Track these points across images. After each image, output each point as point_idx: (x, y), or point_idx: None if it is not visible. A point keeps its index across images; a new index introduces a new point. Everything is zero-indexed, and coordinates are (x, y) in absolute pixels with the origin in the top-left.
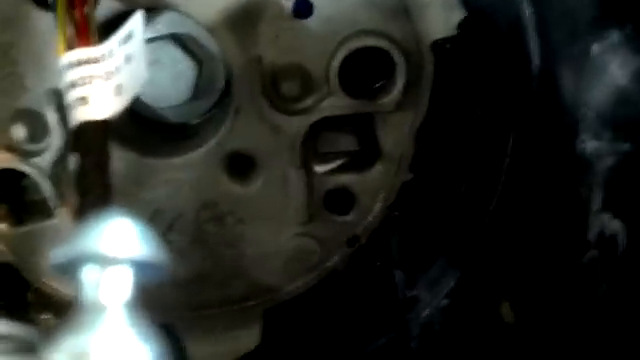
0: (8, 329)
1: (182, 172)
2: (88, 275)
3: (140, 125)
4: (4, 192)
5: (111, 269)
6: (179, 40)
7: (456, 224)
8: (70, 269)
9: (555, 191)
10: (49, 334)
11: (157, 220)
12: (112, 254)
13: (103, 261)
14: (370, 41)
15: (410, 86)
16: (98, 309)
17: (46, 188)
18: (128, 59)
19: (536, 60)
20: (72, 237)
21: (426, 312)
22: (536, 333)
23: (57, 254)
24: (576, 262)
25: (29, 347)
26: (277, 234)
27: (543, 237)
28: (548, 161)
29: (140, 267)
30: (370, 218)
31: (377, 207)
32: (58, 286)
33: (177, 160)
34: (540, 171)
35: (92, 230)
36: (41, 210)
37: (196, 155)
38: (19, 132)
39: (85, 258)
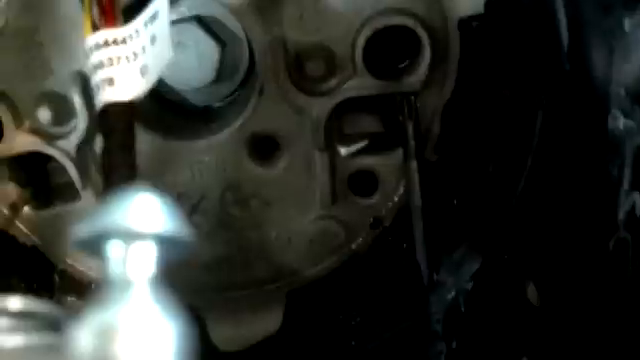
0: (34, 306)
1: (206, 154)
2: (113, 250)
3: (164, 108)
4: (29, 175)
5: (136, 244)
6: (202, 22)
7: (482, 205)
8: (94, 244)
9: (584, 170)
10: (75, 312)
11: (181, 203)
12: (138, 229)
13: (128, 236)
14: (395, 20)
15: (436, 65)
16: (124, 285)
17: (71, 171)
18: (153, 39)
19: (565, 36)
20: (96, 212)
21: (450, 295)
22: (562, 315)
23: (81, 229)
24: (604, 243)
25: (55, 325)
26: (301, 216)
27: (571, 218)
28: (577, 140)
29: (166, 242)
30: (394, 200)
31: (401, 189)
32: (83, 268)
33: (201, 143)
34: (569, 150)
35: (117, 205)
36: (66, 193)
37: (220, 137)
38: (44, 115)
39: (110, 233)
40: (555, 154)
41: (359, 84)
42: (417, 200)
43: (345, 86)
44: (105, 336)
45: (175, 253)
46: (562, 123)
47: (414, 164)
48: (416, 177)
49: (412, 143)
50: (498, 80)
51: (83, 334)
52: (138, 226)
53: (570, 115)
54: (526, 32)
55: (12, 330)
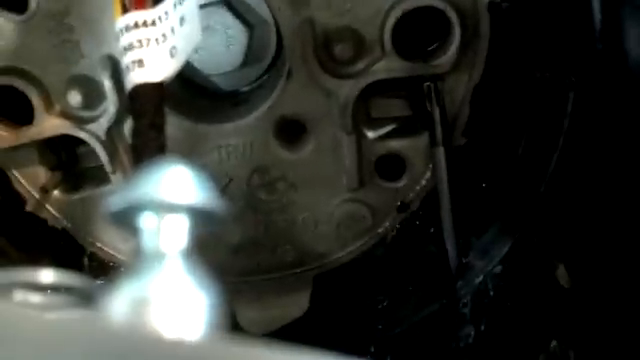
0: (67, 280)
1: (234, 138)
2: (146, 222)
3: (193, 92)
4: (59, 159)
5: (169, 216)
6: (230, 5)
7: (512, 188)
8: (127, 217)
9: (616, 152)
10: (108, 285)
11: None
12: (171, 201)
13: (161, 208)
14: (424, 1)
15: (465, 47)
16: (157, 256)
17: (101, 154)
18: (182, 20)
19: (598, 14)
20: (129, 184)
21: (479, 279)
22: (593, 298)
23: (114, 202)
24: (636, 224)
25: (88, 298)
26: (328, 200)
27: (603, 199)
28: (610, 121)
29: (198, 215)
30: (421, 184)
31: (429, 173)
32: (112, 251)
33: (229, 126)
34: (601, 132)
35: (150, 177)
36: (96, 176)
37: (248, 121)
38: (75, 98)
39: (143, 205)
40: (587, 135)
41: (387, 66)
42: (445, 184)
43: (373, 68)
44: (138, 306)
45: (207, 226)
46: (594, 104)
47: (441, 150)
48: (443, 160)
49: (439, 128)
50: (529, 61)
51: (116, 304)
52: (171, 198)
53: (603, 96)
54: (557, 11)
55: (44, 304)
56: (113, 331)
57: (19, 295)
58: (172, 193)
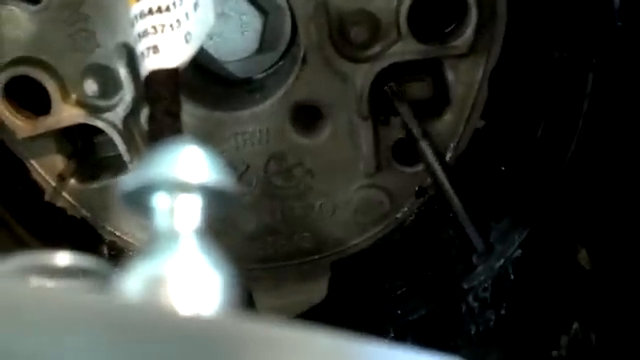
0: (83, 262)
1: (250, 125)
2: (160, 202)
3: (208, 79)
4: (76, 148)
5: (183, 195)
6: None
7: (532, 171)
8: (140, 197)
9: (636, 133)
10: (123, 267)
11: None
12: (184, 180)
13: (175, 187)
14: None
15: (482, 28)
16: (171, 235)
17: (118, 143)
18: (196, 5)
19: None
20: (142, 164)
21: (499, 263)
22: (614, 280)
23: (127, 182)
24: None
25: (105, 282)
26: (345, 186)
27: (623, 181)
28: (630, 102)
29: (212, 194)
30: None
31: (447, 156)
32: (130, 240)
33: (245, 113)
34: (621, 113)
35: (163, 157)
36: (113, 165)
37: (263, 107)
38: (91, 87)
39: (156, 185)
40: (607, 117)
41: (404, 49)
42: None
43: (389, 52)
44: (153, 285)
45: (221, 205)
46: (614, 85)
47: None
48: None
49: (457, 109)
50: (547, 42)
51: (131, 283)
52: (184, 177)
53: (623, 76)
54: None
55: (61, 287)
56: (128, 309)
57: (35, 279)
58: (185, 172)
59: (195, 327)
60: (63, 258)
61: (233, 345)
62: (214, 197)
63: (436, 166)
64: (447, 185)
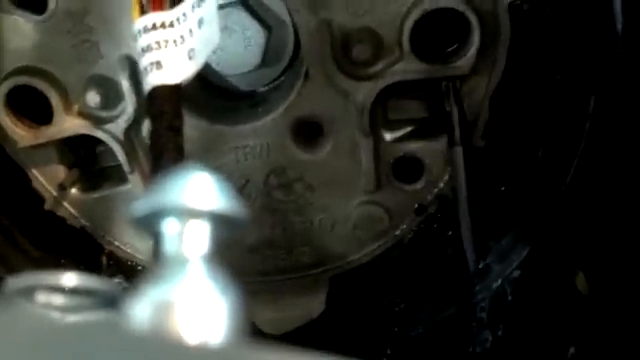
0: (89, 283)
1: (251, 139)
2: (169, 228)
3: (210, 93)
4: (78, 158)
5: (192, 222)
6: (248, 6)
7: (532, 192)
8: (150, 222)
9: (637, 156)
10: (130, 288)
11: None
12: (193, 207)
13: (184, 214)
14: (444, 2)
15: (485, 49)
16: (179, 261)
17: (119, 154)
18: (201, 23)
19: (620, 17)
20: (152, 190)
21: (497, 283)
22: (611, 305)
23: (137, 207)
24: None
25: (110, 302)
26: (345, 201)
27: (623, 206)
28: (632, 124)
29: (220, 220)
30: (439, 187)
31: (446, 176)
32: (130, 250)
33: (246, 127)
34: (622, 136)
35: (172, 183)
36: (114, 176)
37: (265, 122)
38: (93, 98)
39: (166, 211)
40: (608, 140)
41: (406, 68)
42: (463, 184)
43: (391, 70)
44: (161, 310)
45: (228, 231)
46: (616, 107)
47: (459, 150)
48: (462, 161)
49: (457, 129)
50: (549, 64)
51: (139, 309)
52: (194, 204)
53: (624, 99)
54: (578, 13)
55: (67, 307)
56: (135, 335)
57: (41, 297)
58: (194, 199)
59: (202, 357)
60: (70, 278)
61: None
62: (223, 223)
63: (462, 176)
64: (464, 196)
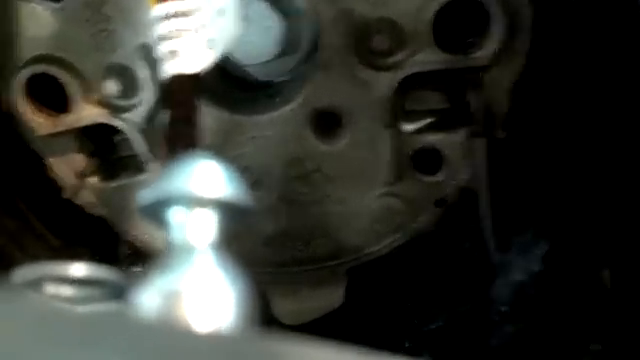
0: (98, 273)
1: (269, 129)
2: (176, 216)
3: (228, 82)
4: (96, 147)
5: (198, 210)
6: None
7: (554, 184)
8: (157, 211)
9: None
10: (139, 278)
11: (244, 177)
12: (199, 195)
13: (190, 202)
14: None
15: (507, 39)
16: (187, 250)
17: (138, 143)
18: (220, 12)
19: None
20: (159, 179)
21: (519, 277)
22: (637, 299)
23: (144, 196)
24: None
25: (119, 292)
26: (363, 193)
27: None
28: None
29: (227, 209)
30: (459, 179)
31: (467, 168)
32: (149, 239)
33: (264, 117)
34: None
35: (178, 171)
36: (133, 165)
37: (283, 112)
38: (112, 87)
39: (172, 199)
40: (634, 131)
41: (426, 58)
42: (484, 179)
43: (412, 61)
44: (169, 299)
45: (236, 219)
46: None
47: (481, 141)
48: (483, 155)
49: (478, 120)
50: (572, 54)
51: (147, 298)
52: (200, 192)
53: None
54: (603, 2)
55: (76, 298)
56: (144, 324)
57: (50, 288)
58: (201, 187)
59: (211, 345)
60: (79, 268)
61: None
62: (230, 212)
63: (483, 167)
64: (484, 190)
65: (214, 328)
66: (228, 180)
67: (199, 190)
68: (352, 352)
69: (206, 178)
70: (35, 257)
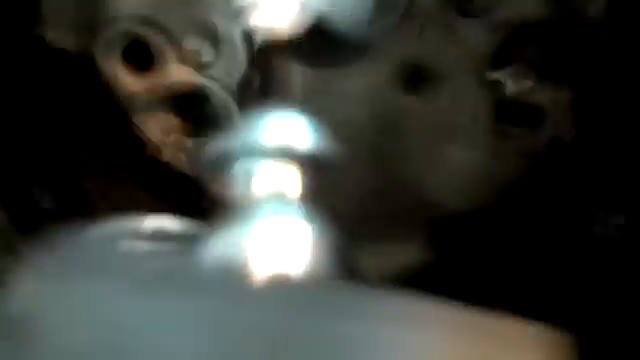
0: (174, 227)
1: (360, 85)
2: (260, 169)
3: (318, 38)
4: (182, 103)
5: (283, 163)
6: None
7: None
8: (228, 163)
9: None
10: (210, 231)
11: (330, 131)
12: (284, 148)
13: (275, 155)
14: None
15: None
16: (270, 203)
17: (223, 100)
18: None
19: None
20: (244, 132)
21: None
22: None
23: (214, 148)
24: None
25: (195, 245)
26: (454, 150)
27: None
28: None
29: (312, 163)
30: (558, 136)
31: (566, 125)
32: (231, 194)
33: (353, 72)
34: None
35: (264, 125)
36: (218, 122)
37: (376, 67)
38: (200, 46)
39: (257, 152)
40: None
41: (529, 13)
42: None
43: (514, 15)
44: (239, 249)
45: (320, 174)
46: None
47: (582, 98)
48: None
49: (581, 76)
50: None
51: (216, 248)
52: (284, 145)
53: None
54: None
55: (150, 252)
56: (214, 274)
57: (124, 244)
58: (286, 140)
59: (286, 293)
60: (151, 222)
61: (320, 311)
62: (314, 165)
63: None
64: (583, 146)
65: (284, 277)
66: (313, 134)
67: (283, 143)
68: (435, 304)
69: (291, 132)
70: (121, 210)
